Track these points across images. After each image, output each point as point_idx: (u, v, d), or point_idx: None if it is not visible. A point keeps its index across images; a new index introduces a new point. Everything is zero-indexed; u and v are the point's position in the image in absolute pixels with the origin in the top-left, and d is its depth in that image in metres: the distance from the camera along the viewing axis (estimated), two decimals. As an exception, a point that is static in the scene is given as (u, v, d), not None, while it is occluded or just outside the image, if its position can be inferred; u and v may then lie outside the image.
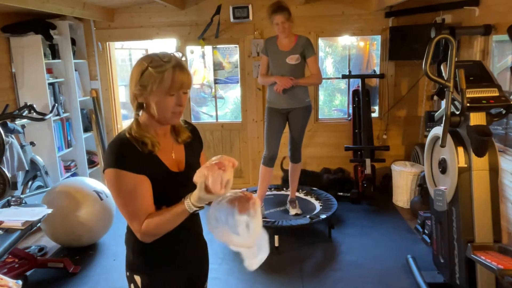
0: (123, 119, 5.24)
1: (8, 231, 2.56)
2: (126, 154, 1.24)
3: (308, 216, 3.60)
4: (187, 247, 1.44)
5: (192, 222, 1.43)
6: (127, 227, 1.38)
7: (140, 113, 1.32)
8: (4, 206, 2.96)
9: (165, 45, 4.87)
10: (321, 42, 4.95)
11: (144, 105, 1.29)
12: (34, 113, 3.74)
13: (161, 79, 1.22)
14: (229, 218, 1.18)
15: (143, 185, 1.24)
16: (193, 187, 1.35)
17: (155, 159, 1.30)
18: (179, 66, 1.24)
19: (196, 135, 1.51)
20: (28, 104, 3.71)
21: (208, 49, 4.90)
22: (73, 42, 4.56)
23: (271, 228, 3.47)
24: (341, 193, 4.57)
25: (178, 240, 1.38)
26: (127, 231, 1.39)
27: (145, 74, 1.23)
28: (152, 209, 1.26)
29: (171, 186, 1.31)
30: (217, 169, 1.11)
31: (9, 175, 3.31)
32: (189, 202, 1.17)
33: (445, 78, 2.48)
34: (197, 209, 1.17)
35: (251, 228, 1.19)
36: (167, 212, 1.22)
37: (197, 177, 1.13)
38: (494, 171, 2.46)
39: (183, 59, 1.30)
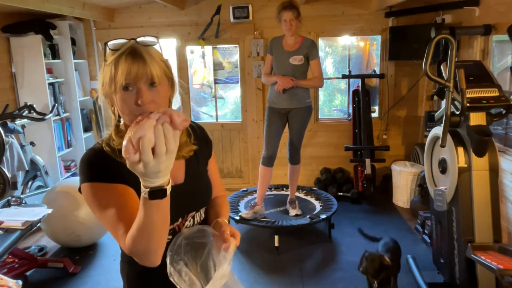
0: (123, 119, 5.24)
1: (8, 231, 2.57)
2: (98, 164, 1.05)
3: (308, 216, 3.60)
4: None
5: None
6: (120, 255, 1.21)
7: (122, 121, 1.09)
8: (4, 206, 2.96)
9: (165, 45, 4.86)
10: (321, 42, 4.95)
11: (114, 109, 1.06)
12: (34, 113, 3.74)
13: (110, 70, 0.99)
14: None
15: (124, 194, 1.02)
16: (193, 202, 1.18)
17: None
18: (130, 53, 0.98)
19: (202, 139, 1.27)
20: (28, 104, 3.71)
21: (208, 49, 4.90)
22: (73, 42, 4.56)
23: (271, 228, 3.48)
24: (341, 193, 4.57)
25: None
26: (121, 258, 1.23)
27: (103, 70, 1.02)
28: None
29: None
30: (133, 124, 0.79)
31: (9, 175, 3.31)
32: (142, 186, 0.86)
33: (445, 78, 2.48)
34: (151, 190, 0.84)
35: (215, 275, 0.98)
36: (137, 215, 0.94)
37: None
38: (494, 171, 2.46)
39: (155, 44, 1.03)
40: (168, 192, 0.86)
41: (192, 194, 1.18)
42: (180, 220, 1.16)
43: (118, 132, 1.07)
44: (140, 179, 0.83)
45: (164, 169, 0.81)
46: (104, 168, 1.04)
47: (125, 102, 0.99)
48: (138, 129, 0.76)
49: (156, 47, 1.04)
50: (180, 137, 1.06)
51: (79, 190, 1.08)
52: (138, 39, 1.01)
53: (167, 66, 1.05)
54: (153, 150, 0.77)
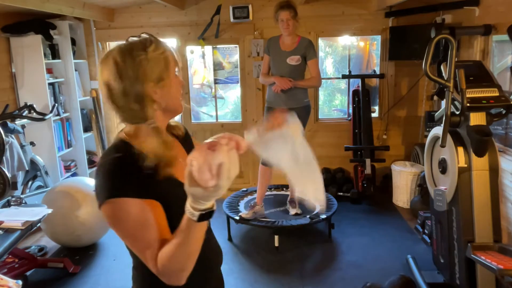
0: (123, 119, 5.23)
1: (8, 231, 2.56)
2: (123, 177, 0.97)
3: (308, 216, 3.60)
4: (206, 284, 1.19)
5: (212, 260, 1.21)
6: (133, 262, 1.14)
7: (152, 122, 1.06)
8: (4, 206, 2.96)
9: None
10: (321, 42, 4.95)
11: (152, 102, 1.03)
12: (34, 113, 3.74)
13: (165, 59, 1.03)
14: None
15: (152, 211, 0.97)
16: None
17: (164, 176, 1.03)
18: (160, 43, 1.05)
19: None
20: (28, 104, 3.71)
21: (208, 49, 4.90)
22: (73, 42, 4.56)
23: (271, 228, 3.47)
24: (341, 193, 4.57)
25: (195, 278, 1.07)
26: (134, 266, 1.15)
27: (149, 64, 0.99)
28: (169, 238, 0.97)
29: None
30: (205, 150, 0.80)
31: (9, 175, 3.31)
32: (188, 207, 0.84)
33: (445, 78, 2.48)
34: (202, 212, 0.83)
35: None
36: (175, 234, 0.92)
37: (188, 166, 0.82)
38: (494, 171, 2.46)
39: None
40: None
41: None
42: None
43: (158, 135, 1.03)
44: (191, 201, 0.83)
45: (221, 193, 0.81)
46: (131, 181, 0.97)
47: (178, 84, 1.07)
48: (216, 156, 0.78)
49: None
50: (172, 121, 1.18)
51: (99, 206, 0.98)
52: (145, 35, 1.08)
53: None
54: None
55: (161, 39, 1.07)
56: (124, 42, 1.04)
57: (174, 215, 0.98)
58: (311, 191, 1.04)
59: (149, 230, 0.95)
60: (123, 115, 1.05)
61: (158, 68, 1.01)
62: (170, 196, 1.01)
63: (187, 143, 1.24)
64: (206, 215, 0.84)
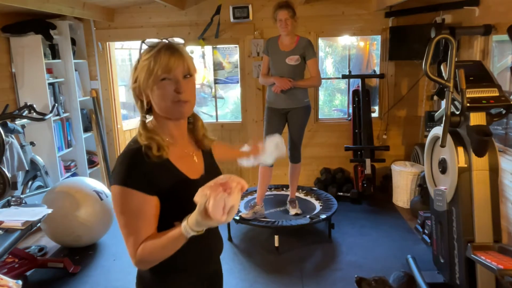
0: (123, 119, 5.24)
1: (8, 231, 2.56)
2: (136, 169, 1.10)
3: (308, 216, 3.60)
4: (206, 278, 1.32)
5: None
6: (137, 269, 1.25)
7: (147, 117, 1.20)
8: (4, 206, 2.96)
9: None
10: (321, 42, 4.95)
11: (145, 103, 1.17)
12: (34, 113, 3.74)
13: (149, 65, 1.11)
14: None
15: (149, 206, 1.11)
16: None
17: (170, 168, 1.16)
18: (168, 48, 1.13)
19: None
20: (28, 104, 3.71)
21: (208, 49, 4.90)
22: (73, 42, 4.56)
23: (271, 228, 3.48)
24: (341, 193, 4.57)
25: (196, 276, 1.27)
26: (138, 273, 1.26)
27: (138, 66, 1.15)
28: (154, 234, 1.11)
29: (192, 197, 1.03)
30: (221, 190, 0.95)
31: (9, 175, 3.30)
32: (187, 225, 1.00)
33: (445, 78, 2.48)
34: (195, 233, 1.00)
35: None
36: (164, 236, 1.06)
37: (198, 197, 0.97)
38: (494, 171, 2.46)
39: (183, 44, 1.19)
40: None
41: None
42: None
43: (145, 127, 1.15)
44: (194, 224, 0.98)
45: None
46: (138, 175, 1.10)
47: (165, 90, 1.11)
48: (231, 199, 0.95)
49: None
50: (201, 130, 1.30)
51: (111, 184, 1.14)
52: (169, 39, 1.17)
53: (194, 62, 1.20)
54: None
55: (178, 46, 1.15)
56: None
57: (170, 208, 1.13)
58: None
59: (140, 221, 1.09)
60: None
61: (139, 70, 1.13)
62: (174, 186, 1.14)
63: (209, 154, 1.36)
64: (197, 233, 1.01)
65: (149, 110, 1.19)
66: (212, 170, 1.29)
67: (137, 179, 1.09)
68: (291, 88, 3.45)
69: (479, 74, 2.57)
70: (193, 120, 1.30)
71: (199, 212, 0.95)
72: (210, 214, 0.93)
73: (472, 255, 2.34)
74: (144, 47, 1.16)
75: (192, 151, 1.26)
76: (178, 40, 1.18)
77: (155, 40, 1.15)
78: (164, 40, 1.15)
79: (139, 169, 1.10)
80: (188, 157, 1.24)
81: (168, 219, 1.11)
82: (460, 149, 2.49)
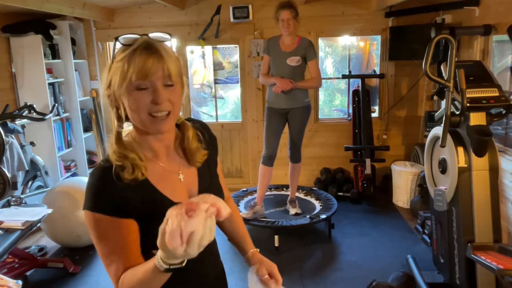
0: (123, 119, 5.24)
1: (8, 231, 2.56)
2: (104, 193, 0.93)
3: (308, 216, 3.60)
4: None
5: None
6: None
7: (125, 126, 1.01)
8: (4, 206, 2.96)
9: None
10: (321, 42, 4.95)
11: (122, 111, 0.97)
12: (34, 113, 3.74)
13: (122, 67, 0.91)
14: None
15: (126, 231, 0.94)
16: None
17: (148, 189, 0.98)
18: (145, 47, 0.91)
19: (210, 141, 1.16)
20: (28, 104, 3.71)
21: (208, 49, 4.90)
22: (73, 42, 4.56)
23: (271, 228, 3.48)
24: (341, 193, 4.57)
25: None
26: None
27: (111, 68, 0.94)
28: (138, 262, 0.94)
29: None
30: (181, 213, 0.76)
31: (9, 175, 3.30)
32: (158, 257, 0.82)
33: (445, 78, 2.48)
34: (170, 267, 0.81)
35: None
36: (141, 267, 0.89)
37: (163, 222, 0.78)
38: (494, 171, 2.46)
39: (168, 41, 0.97)
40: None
41: None
42: None
43: (119, 141, 0.97)
44: (161, 253, 0.80)
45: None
46: (110, 199, 0.93)
47: (140, 101, 0.91)
48: (190, 223, 0.74)
49: (168, 44, 0.97)
50: (191, 143, 1.06)
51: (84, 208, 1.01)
52: (150, 35, 0.94)
53: (180, 63, 0.98)
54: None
55: (158, 45, 0.94)
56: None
57: (151, 234, 0.89)
58: None
59: (118, 249, 0.94)
60: None
61: (117, 76, 0.92)
62: (151, 216, 0.94)
63: (210, 159, 1.15)
64: (173, 269, 0.82)
65: (127, 118, 0.99)
66: (206, 191, 0.97)
67: (105, 204, 0.93)
68: (291, 88, 3.45)
69: (479, 74, 2.58)
70: (182, 131, 1.08)
71: (159, 241, 0.78)
72: (166, 242, 0.75)
73: (472, 255, 2.34)
74: (119, 45, 0.95)
75: (179, 169, 1.05)
76: (163, 35, 0.95)
77: (132, 36, 0.93)
78: (144, 36, 0.94)
79: (108, 192, 0.93)
80: (173, 176, 1.04)
81: (149, 247, 0.92)
82: (460, 149, 2.49)
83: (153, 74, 0.90)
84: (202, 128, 1.15)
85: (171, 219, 0.75)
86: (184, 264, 0.82)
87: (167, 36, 0.96)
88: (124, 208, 0.94)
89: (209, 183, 1.13)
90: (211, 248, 1.10)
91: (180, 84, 0.99)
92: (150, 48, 0.91)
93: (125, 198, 0.94)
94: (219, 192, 1.17)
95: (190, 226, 0.74)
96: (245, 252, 1.22)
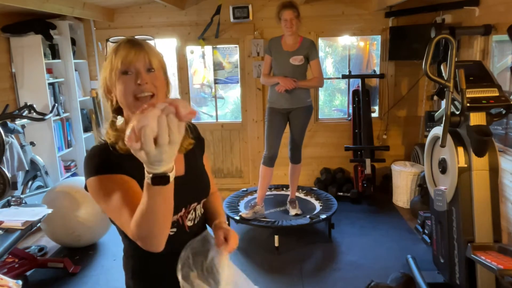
0: (123, 119, 5.24)
1: (8, 231, 2.57)
2: (106, 159, 1.07)
3: (308, 216, 3.60)
4: None
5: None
6: (123, 250, 1.25)
7: (119, 118, 1.14)
8: (4, 206, 2.96)
9: (165, 45, 4.86)
10: (321, 42, 4.95)
11: (114, 101, 1.11)
12: (34, 113, 3.74)
13: (110, 60, 1.07)
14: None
15: (130, 184, 1.04)
16: (195, 194, 1.21)
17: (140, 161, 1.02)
18: (128, 41, 1.09)
19: (196, 137, 1.29)
20: (28, 104, 3.71)
21: (208, 49, 4.90)
22: (73, 42, 4.56)
23: (271, 228, 3.48)
24: (341, 193, 4.57)
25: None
26: (124, 254, 1.25)
27: (104, 65, 1.12)
28: None
29: None
30: (137, 113, 0.78)
31: (9, 175, 3.31)
32: (145, 170, 0.86)
33: (445, 78, 2.48)
34: (153, 176, 0.83)
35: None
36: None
37: None
38: (494, 171, 2.46)
39: (151, 41, 1.15)
40: (171, 179, 0.85)
41: (193, 186, 1.21)
42: (183, 210, 1.18)
43: (112, 126, 1.11)
44: (144, 165, 0.83)
45: (167, 158, 0.80)
46: (107, 161, 1.06)
47: (126, 84, 1.05)
48: (141, 118, 0.75)
49: (151, 43, 1.13)
50: None
51: (85, 188, 1.10)
52: (137, 36, 1.12)
53: (163, 59, 1.13)
54: (156, 139, 0.77)
55: (140, 41, 1.10)
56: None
57: None
58: None
59: (122, 199, 1.00)
60: None
61: (107, 69, 1.09)
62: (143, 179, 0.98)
63: (196, 149, 1.26)
64: (159, 179, 0.83)
65: (120, 110, 1.13)
66: (193, 172, 1.21)
67: (109, 166, 1.05)
68: (294, 88, 3.45)
69: (479, 74, 2.58)
70: None
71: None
72: (125, 140, 0.79)
73: (472, 255, 2.34)
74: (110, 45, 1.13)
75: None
76: (145, 36, 1.17)
77: (120, 37, 1.14)
78: (129, 36, 1.12)
79: (106, 158, 1.07)
80: None
81: None
82: (460, 149, 2.49)
83: (136, 61, 1.06)
84: (192, 125, 1.30)
85: (131, 121, 0.78)
86: (168, 173, 0.83)
87: (150, 37, 1.17)
88: (123, 169, 1.05)
89: (194, 165, 1.24)
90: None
91: (163, 73, 1.13)
92: (133, 42, 1.09)
93: (122, 163, 1.05)
94: (205, 175, 1.28)
95: (140, 122, 0.75)
96: (212, 222, 1.29)
